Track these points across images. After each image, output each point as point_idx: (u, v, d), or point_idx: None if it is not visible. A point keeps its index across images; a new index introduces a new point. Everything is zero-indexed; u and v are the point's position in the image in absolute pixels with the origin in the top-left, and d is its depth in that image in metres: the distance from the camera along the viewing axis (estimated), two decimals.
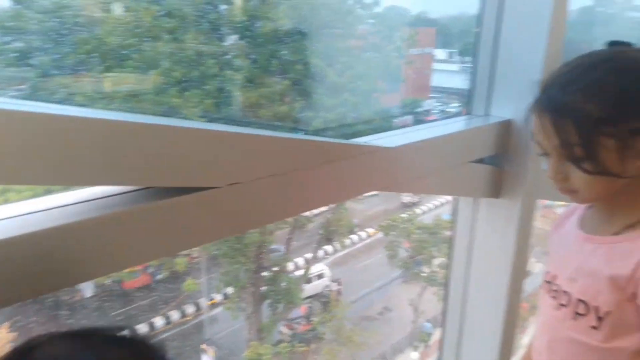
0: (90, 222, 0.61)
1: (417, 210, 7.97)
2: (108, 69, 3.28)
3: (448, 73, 6.35)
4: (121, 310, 5.17)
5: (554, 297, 0.83)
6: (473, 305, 1.40)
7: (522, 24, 1.14)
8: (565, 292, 0.81)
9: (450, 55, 6.43)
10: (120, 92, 3.33)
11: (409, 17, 6.37)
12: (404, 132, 1.06)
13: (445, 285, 1.46)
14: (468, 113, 1.26)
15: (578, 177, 0.74)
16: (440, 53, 6.59)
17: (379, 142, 0.93)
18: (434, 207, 8.07)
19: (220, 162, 0.72)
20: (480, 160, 1.20)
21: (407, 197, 7.79)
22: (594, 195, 0.77)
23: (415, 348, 7.05)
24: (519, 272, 1.30)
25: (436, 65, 6.57)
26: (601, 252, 0.77)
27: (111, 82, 3.19)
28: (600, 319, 0.76)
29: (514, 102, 1.18)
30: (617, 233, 0.77)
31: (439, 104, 6.47)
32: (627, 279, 0.72)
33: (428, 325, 7.02)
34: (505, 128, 1.19)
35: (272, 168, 0.77)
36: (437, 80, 6.65)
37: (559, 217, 0.91)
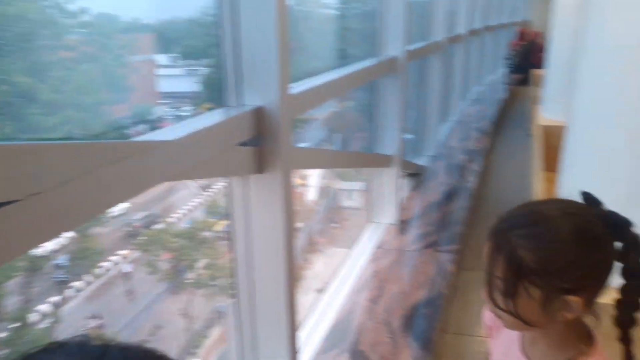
0: None
1: (169, 219, 7.88)
2: None
3: (173, 77, 6.42)
4: None
5: None
6: (259, 275, 1.58)
7: (256, 23, 1.34)
8: None
9: (174, 59, 6.52)
10: None
11: (123, 23, 6.18)
12: (175, 127, 1.16)
13: (233, 263, 1.61)
14: (223, 105, 1.42)
15: (499, 302, 0.79)
16: (162, 58, 6.61)
17: (160, 137, 1.01)
18: (187, 211, 8.11)
19: (12, 175, 0.70)
20: (244, 144, 1.38)
21: (143, 212, 7.59)
22: (517, 328, 0.83)
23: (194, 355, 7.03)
24: (290, 231, 1.54)
25: (160, 71, 6.57)
26: None
27: None
28: None
29: (260, 91, 1.39)
30: None
31: (171, 109, 6.50)
32: None
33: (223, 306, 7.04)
34: (259, 113, 1.39)
35: (66, 175, 0.78)
36: (163, 85, 6.65)
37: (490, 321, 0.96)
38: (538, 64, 7.77)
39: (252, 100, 1.40)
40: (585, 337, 0.83)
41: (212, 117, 1.30)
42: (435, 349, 2.24)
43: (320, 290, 2.70)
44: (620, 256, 0.77)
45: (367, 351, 2.15)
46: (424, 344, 2.19)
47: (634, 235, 0.76)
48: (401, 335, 2.26)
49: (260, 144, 1.43)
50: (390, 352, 2.14)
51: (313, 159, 2.26)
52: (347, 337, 2.26)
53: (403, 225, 3.51)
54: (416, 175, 4.62)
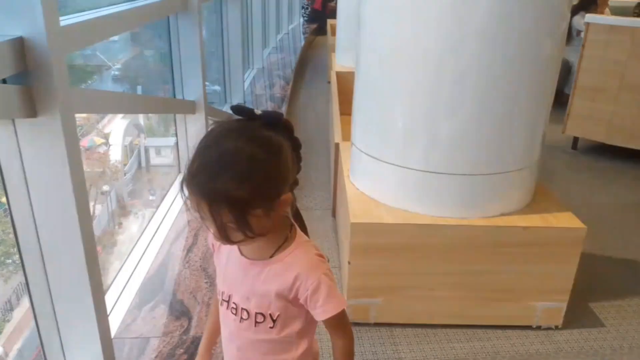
0: None
1: None
2: None
3: None
4: None
5: (234, 313, 1.02)
6: (48, 242, 1.40)
7: None
8: (243, 309, 1.00)
9: None
10: None
11: None
12: None
13: (15, 234, 1.41)
14: None
15: (238, 237, 0.87)
16: None
17: None
18: None
19: None
20: (4, 81, 1.18)
21: None
22: (255, 245, 0.95)
23: None
24: (80, 186, 1.38)
25: None
26: (265, 273, 0.97)
27: None
28: (274, 320, 1.00)
29: (20, 19, 1.18)
30: (272, 256, 0.97)
31: None
32: (289, 289, 0.96)
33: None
34: (20, 45, 1.19)
35: None
36: None
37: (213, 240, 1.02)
38: (332, 14, 8.20)
39: (10, 29, 1.19)
40: (287, 224, 0.99)
41: None
42: None
43: (132, 249, 2.55)
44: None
45: (186, 299, 2.12)
46: None
47: (290, 125, 0.93)
48: None
49: (28, 83, 1.23)
50: (208, 297, 2.14)
51: (102, 102, 2.05)
52: (163, 288, 2.18)
53: None
54: None
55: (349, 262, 2.13)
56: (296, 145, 0.95)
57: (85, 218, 1.40)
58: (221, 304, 1.05)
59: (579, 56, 4.30)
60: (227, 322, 1.06)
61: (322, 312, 0.96)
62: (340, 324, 1.01)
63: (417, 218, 2.09)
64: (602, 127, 4.27)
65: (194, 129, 3.33)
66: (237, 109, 0.89)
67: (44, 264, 1.42)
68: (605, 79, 4.18)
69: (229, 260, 1.03)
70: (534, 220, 2.08)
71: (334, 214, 3.22)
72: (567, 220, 2.09)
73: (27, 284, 1.47)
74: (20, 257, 1.42)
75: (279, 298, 0.97)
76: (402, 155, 2.12)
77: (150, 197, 4.26)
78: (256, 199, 0.84)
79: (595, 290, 2.50)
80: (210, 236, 0.96)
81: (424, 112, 2.03)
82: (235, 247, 1.00)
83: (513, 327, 2.21)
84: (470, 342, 2.13)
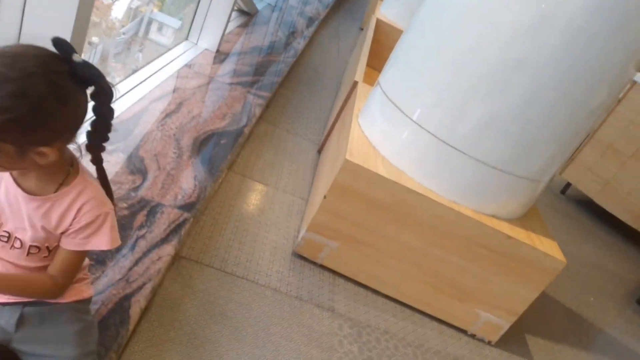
0: None
1: None
2: None
3: None
4: None
5: (6, 242, 0.98)
6: None
7: None
8: (17, 238, 0.97)
9: None
10: None
11: None
12: None
13: None
14: None
15: None
16: None
17: None
18: None
19: None
20: None
21: None
22: (31, 178, 0.92)
23: None
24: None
25: None
26: (45, 208, 0.94)
27: None
28: (50, 251, 0.99)
29: None
30: (55, 192, 0.93)
31: None
32: (69, 223, 0.95)
33: None
34: None
35: None
36: None
37: None
38: None
39: None
40: (69, 162, 0.95)
41: None
42: (217, 179, 2.15)
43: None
44: (92, 97, 0.87)
45: (147, 158, 1.94)
46: (209, 170, 2.08)
47: (104, 83, 0.86)
48: (189, 155, 2.10)
49: None
50: (172, 167, 1.97)
51: None
52: (128, 138, 2.00)
53: (220, 55, 3.23)
54: (248, 14, 4.29)
55: (324, 197, 1.99)
56: (101, 114, 0.90)
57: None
58: None
59: (610, 109, 4.20)
60: None
61: (82, 242, 0.96)
62: (74, 263, 0.99)
63: (409, 182, 1.96)
64: (599, 185, 4.23)
65: (218, 3, 3.06)
66: (58, 41, 0.81)
67: None
68: (624, 142, 4.11)
69: (6, 193, 0.96)
70: (520, 234, 1.99)
71: (319, 151, 3.07)
72: (551, 247, 2.01)
73: None
74: None
75: (56, 233, 0.96)
76: (427, 117, 1.96)
77: (132, 67, 3.97)
78: (8, 132, 0.78)
79: (535, 325, 2.48)
80: None
81: (472, 88, 1.87)
82: (8, 177, 0.94)
83: (448, 324, 2.15)
84: (404, 322, 2.06)
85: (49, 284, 0.98)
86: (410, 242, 2.00)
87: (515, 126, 1.86)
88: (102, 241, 0.96)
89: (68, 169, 0.94)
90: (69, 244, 0.96)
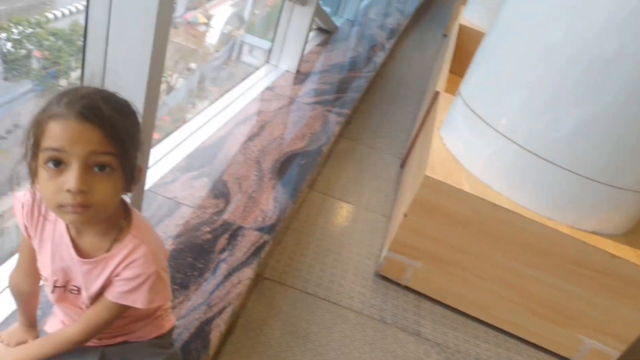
0: None
1: (49, 15, 6.81)
2: None
3: None
4: None
5: (77, 294, 0.96)
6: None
7: None
8: (81, 290, 0.95)
9: None
10: None
11: None
12: None
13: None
14: None
15: (101, 190, 0.79)
16: None
17: None
18: (70, 13, 7.03)
19: None
20: None
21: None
22: (106, 214, 0.84)
23: None
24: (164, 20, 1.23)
25: None
26: (97, 271, 0.91)
27: None
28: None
29: None
30: (107, 250, 0.90)
31: None
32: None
33: None
34: None
35: None
36: None
37: (26, 210, 0.92)
38: None
39: None
40: (123, 212, 0.91)
41: None
42: (299, 199, 2.17)
43: (194, 116, 2.45)
44: None
45: (230, 182, 2.00)
46: (291, 191, 2.10)
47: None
48: (270, 177, 2.14)
49: None
50: (253, 189, 2.02)
51: None
52: (213, 162, 2.08)
53: (301, 76, 3.28)
54: (327, 32, 4.33)
55: (405, 215, 1.93)
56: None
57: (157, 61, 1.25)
58: (52, 291, 0.97)
59: None
60: (68, 308, 0.99)
61: (119, 295, 0.91)
62: (109, 312, 0.94)
63: (496, 198, 1.84)
64: None
65: (296, 25, 3.12)
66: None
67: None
68: None
69: (57, 249, 0.92)
70: (627, 252, 1.79)
71: (402, 165, 3.00)
72: None
73: None
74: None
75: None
76: (515, 128, 1.84)
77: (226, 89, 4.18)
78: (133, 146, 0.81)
79: None
80: (22, 214, 0.90)
81: (561, 89, 1.72)
82: (65, 234, 0.91)
83: (548, 351, 1.98)
84: (497, 348, 1.93)
85: (77, 338, 0.96)
86: (500, 261, 1.88)
87: (613, 130, 1.68)
88: (137, 300, 0.91)
89: (122, 222, 0.91)
90: (109, 293, 0.93)
